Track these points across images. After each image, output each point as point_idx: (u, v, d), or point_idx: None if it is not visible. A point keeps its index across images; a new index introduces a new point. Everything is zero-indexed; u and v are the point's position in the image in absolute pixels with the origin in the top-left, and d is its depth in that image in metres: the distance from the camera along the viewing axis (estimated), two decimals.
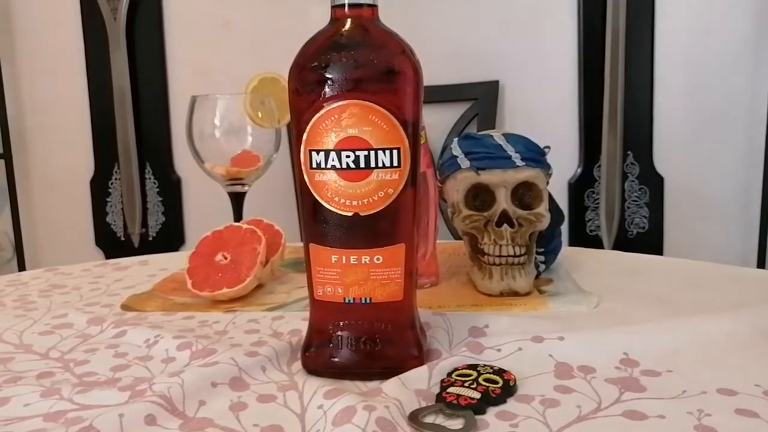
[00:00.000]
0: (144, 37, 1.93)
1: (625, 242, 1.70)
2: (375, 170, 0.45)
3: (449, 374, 0.44)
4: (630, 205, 1.70)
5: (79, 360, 0.52)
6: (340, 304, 0.47)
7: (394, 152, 0.45)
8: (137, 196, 1.95)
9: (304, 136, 0.45)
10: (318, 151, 0.45)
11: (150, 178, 1.97)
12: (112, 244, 2.00)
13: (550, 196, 0.68)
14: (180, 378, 0.45)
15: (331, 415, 0.40)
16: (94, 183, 2.00)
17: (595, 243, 1.71)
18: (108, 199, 2.00)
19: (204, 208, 1.92)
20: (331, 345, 0.48)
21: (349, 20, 0.46)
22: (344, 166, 0.45)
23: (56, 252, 2.07)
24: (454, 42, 1.70)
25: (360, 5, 0.46)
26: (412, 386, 0.44)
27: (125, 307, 0.68)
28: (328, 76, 0.44)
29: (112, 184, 1.98)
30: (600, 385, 0.43)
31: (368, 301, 0.46)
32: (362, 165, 0.45)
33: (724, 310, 0.58)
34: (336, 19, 0.47)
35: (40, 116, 2.02)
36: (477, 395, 0.41)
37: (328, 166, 0.45)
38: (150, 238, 1.98)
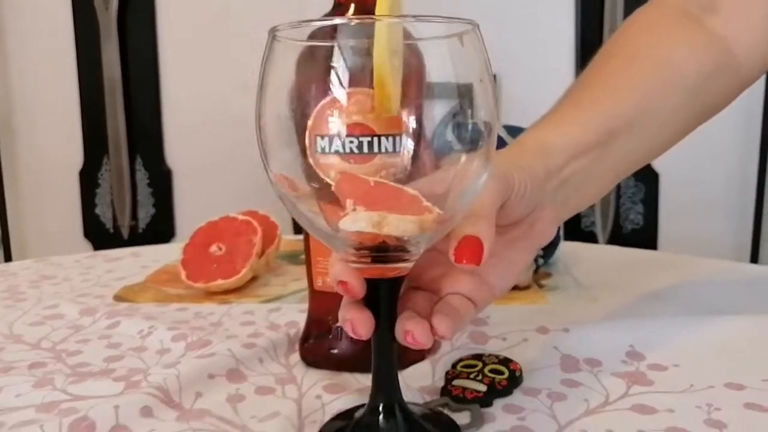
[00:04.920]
0: (136, 27, 1.91)
1: (619, 238, 1.70)
2: (378, 155, 0.44)
3: (454, 365, 0.44)
4: (625, 201, 1.70)
5: (72, 350, 0.51)
6: (339, 295, 0.46)
7: (397, 138, 0.44)
8: (127, 188, 1.93)
9: (309, 122, 0.44)
10: (323, 137, 0.44)
11: (140, 170, 1.94)
12: (101, 236, 1.98)
13: None
14: (176, 369, 0.44)
15: (330, 410, 0.39)
16: (83, 174, 1.98)
17: (590, 239, 1.71)
18: (97, 191, 1.97)
19: (195, 201, 1.90)
20: (330, 336, 0.47)
21: (352, 6, 0.45)
22: (348, 150, 0.44)
23: (44, 243, 2.05)
24: None
25: None
26: (416, 384, 0.43)
27: (118, 298, 0.66)
28: (333, 63, 0.43)
29: (101, 175, 1.96)
30: (607, 379, 0.43)
31: None
32: (365, 150, 0.44)
33: (724, 305, 0.57)
34: (339, 5, 0.46)
35: (29, 105, 2.00)
36: (483, 388, 0.40)
37: (332, 150, 0.44)
38: (140, 231, 1.96)
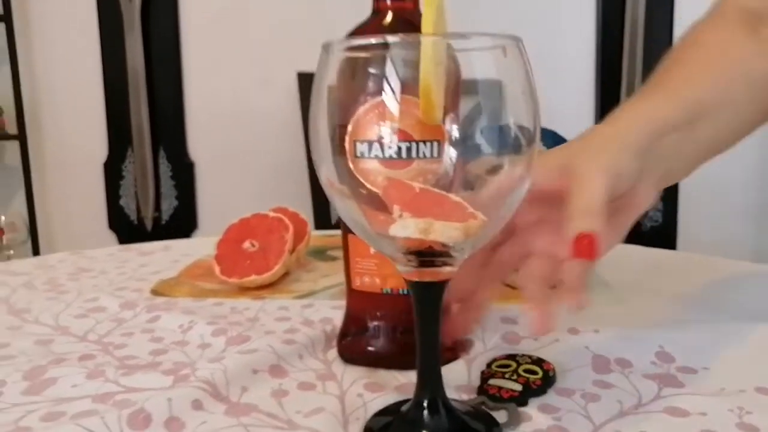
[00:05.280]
0: (159, 19, 1.93)
1: (638, 236, 1.70)
2: (416, 160, 0.45)
3: (489, 365, 0.45)
4: None
5: (117, 343, 0.53)
6: (377, 294, 0.47)
7: (435, 144, 0.45)
8: (150, 180, 1.95)
9: (349, 128, 0.46)
10: (362, 142, 0.45)
11: (164, 162, 1.97)
12: (125, 227, 2.01)
13: None
14: (221, 364, 0.45)
15: (372, 407, 0.41)
16: (107, 166, 2.01)
17: None
18: (121, 182, 2.00)
19: (217, 193, 1.92)
20: (367, 334, 0.48)
21: (390, 12, 0.47)
22: (387, 156, 0.45)
23: (70, 234, 2.08)
24: None
25: None
26: (452, 383, 0.44)
27: (155, 292, 0.68)
28: (373, 71, 0.45)
29: (125, 167, 1.99)
30: (638, 380, 0.44)
31: (406, 292, 0.47)
32: (404, 156, 0.45)
33: (751, 309, 0.58)
34: (378, 11, 0.47)
35: (55, 98, 2.03)
36: (518, 387, 0.41)
37: (371, 155, 0.45)
38: (163, 222, 1.99)
